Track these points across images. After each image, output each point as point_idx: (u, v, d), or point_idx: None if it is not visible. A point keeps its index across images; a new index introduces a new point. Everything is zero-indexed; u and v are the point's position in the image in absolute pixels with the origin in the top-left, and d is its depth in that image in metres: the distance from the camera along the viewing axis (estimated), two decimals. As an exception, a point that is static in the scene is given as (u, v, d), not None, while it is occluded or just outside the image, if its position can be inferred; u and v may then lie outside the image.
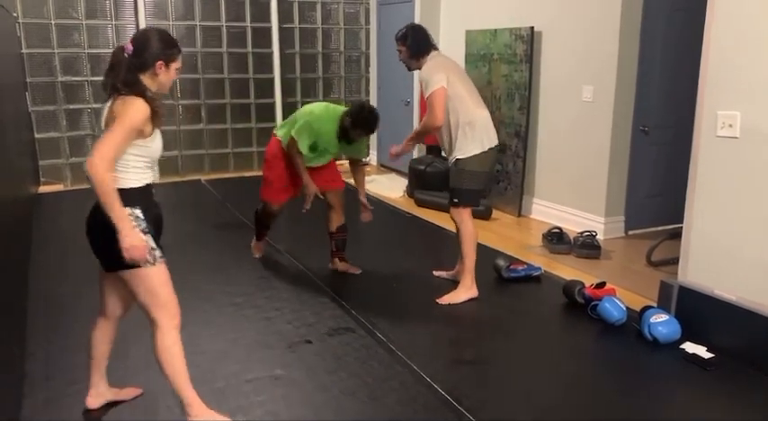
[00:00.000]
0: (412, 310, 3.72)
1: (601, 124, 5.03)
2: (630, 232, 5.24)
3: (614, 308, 3.40)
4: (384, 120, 7.98)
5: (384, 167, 7.90)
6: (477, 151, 3.68)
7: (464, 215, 3.79)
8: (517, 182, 5.86)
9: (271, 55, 7.45)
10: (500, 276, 4.14)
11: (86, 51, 6.64)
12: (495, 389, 2.82)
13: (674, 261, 3.74)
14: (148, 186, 2.37)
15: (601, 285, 3.73)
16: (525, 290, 4.03)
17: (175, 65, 2.35)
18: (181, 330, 3.30)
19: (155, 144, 2.32)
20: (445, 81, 3.61)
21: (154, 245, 2.32)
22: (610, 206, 5.13)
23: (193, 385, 2.76)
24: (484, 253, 4.63)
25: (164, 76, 2.33)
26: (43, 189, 6.61)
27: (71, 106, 6.69)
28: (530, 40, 5.52)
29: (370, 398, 2.71)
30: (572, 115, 5.30)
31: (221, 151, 7.51)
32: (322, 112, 3.96)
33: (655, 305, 3.44)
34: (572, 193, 5.38)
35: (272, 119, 7.60)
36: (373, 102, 8.01)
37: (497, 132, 5.94)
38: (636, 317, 3.39)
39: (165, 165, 7.20)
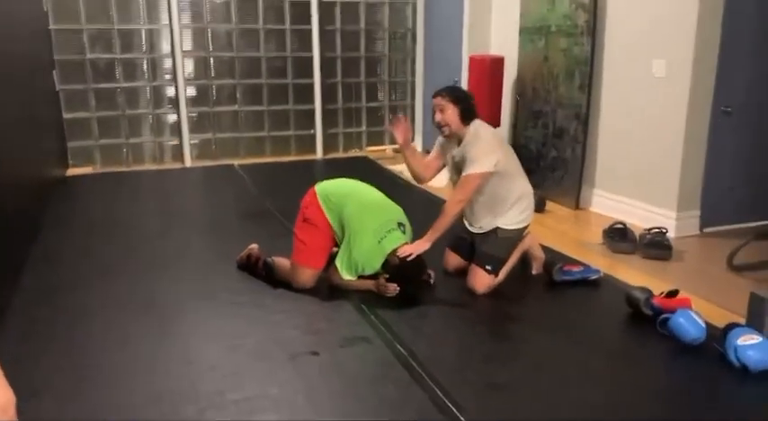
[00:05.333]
0: (443, 318, 3.18)
1: (675, 104, 4.32)
2: (706, 230, 4.53)
3: (691, 324, 2.76)
4: (430, 100, 7.42)
5: (429, 153, 7.31)
6: (522, 225, 3.48)
7: (496, 279, 3.42)
8: (575, 170, 5.20)
9: (310, 32, 6.96)
10: (551, 278, 3.54)
11: (117, 27, 6.30)
12: (536, 425, 2.25)
13: (764, 266, 3.08)
14: None
15: (673, 294, 3.09)
16: (580, 296, 3.42)
17: None
18: (170, 337, 2.89)
19: None
20: (495, 163, 3.28)
21: None
22: (683, 199, 4.43)
23: (170, 404, 2.32)
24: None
25: None
26: (72, 172, 6.33)
27: (101, 85, 6.37)
28: (592, 8, 4.83)
29: (377, 432, 2.20)
30: (641, 94, 4.60)
31: (257, 134, 7.08)
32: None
33: (743, 322, 2.78)
34: (639, 184, 4.70)
35: (311, 100, 7.12)
36: (419, 83, 7.45)
37: (554, 114, 5.40)
38: (718, 336, 2.75)
39: (198, 148, 6.85)
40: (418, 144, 7.63)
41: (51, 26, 6.05)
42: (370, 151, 7.47)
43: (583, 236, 4.52)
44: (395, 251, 3.23)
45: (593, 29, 4.86)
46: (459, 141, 3.42)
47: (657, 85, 4.44)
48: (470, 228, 3.54)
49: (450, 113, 3.36)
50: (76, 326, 2.99)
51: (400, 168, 6.54)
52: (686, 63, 4.20)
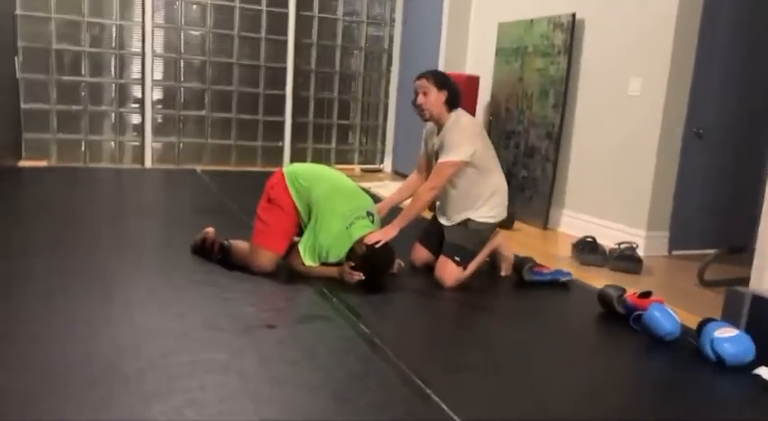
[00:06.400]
0: (409, 305, 3.03)
1: (648, 123, 4.33)
2: (675, 252, 4.49)
3: (665, 317, 2.66)
4: (403, 123, 7.39)
5: (398, 175, 7.24)
6: (493, 221, 3.39)
7: (464, 272, 3.29)
8: (545, 189, 5.15)
9: (285, 43, 6.90)
10: (520, 278, 3.42)
11: (87, 20, 6.13)
12: (505, 405, 2.08)
13: (735, 282, 3.02)
14: None
15: (646, 295, 2.99)
16: (551, 294, 3.30)
17: None
18: (114, 303, 2.66)
19: None
20: (471, 154, 3.20)
21: None
22: (653, 219, 4.39)
23: (109, 363, 2.09)
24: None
25: None
26: (24, 163, 6.03)
27: (64, 78, 6.16)
28: (570, 28, 4.88)
29: (335, 398, 1.99)
30: (615, 112, 4.61)
31: (223, 142, 6.90)
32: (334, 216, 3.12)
33: (718, 319, 2.69)
34: (609, 203, 4.66)
35: (281, 112, 7.00)
36: (392, 102, 7.41)
37: (527, 134, 5.38)
38: (693, 334, 2.65)
39: (160, 151, 6.64)
40: (388, 165, 7.56)
41: (18, 11, 5.86)
42: (339, 169, 7.33)
43: (552, 250, 4.44)
44: (361, 240, 3.07)
45: (570, 48, 4.89)
46: (440, 129, 3.33)
47: (632, 104, 4.46)
48: (441, 221, 3.42)
49: (434, 98, 3.25)
50: (13, 290, 2.73)
51: (368, 185, 6.43)
52: (661, 81, 4.23)
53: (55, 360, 2.10)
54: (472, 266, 3.30)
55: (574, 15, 4.87)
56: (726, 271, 3.76)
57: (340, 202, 3.14)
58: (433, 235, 3.47)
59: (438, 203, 3.48)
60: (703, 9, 4.17)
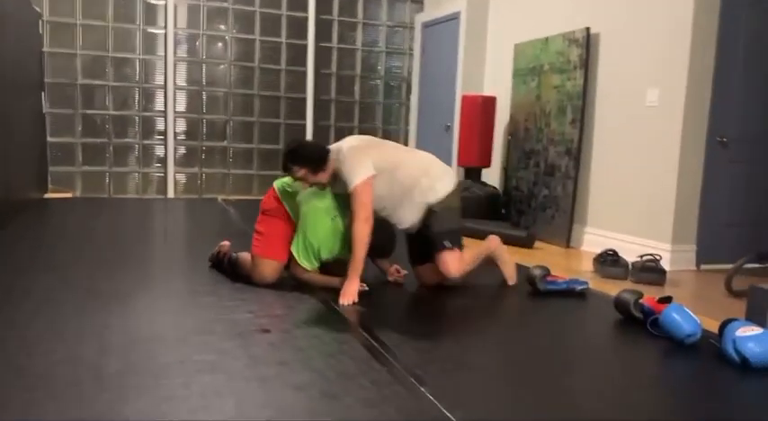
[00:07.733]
0: (413, 311, 2.95)
1: (668, 133, 4.20)
2: (704, 266, 4.28)
3: (685, 318, 2.49)
4: (424, 146, 7.35)
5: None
6: (451, 188, 3.23)
7: (463, 256, 3.17)
8: (566, 207, 5.01)
9: (305, 73, 6.98)
10: (535, 288, 3.28)
11: (111, 55, 6.31)
12: (507, 406, 1.95)
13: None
14: None
15: (666, 300, 2.82)
16: (566, 305, 3.15)
17: None
18: (110, 311, 2.61)
19: None
20: (371, 165, 3.03)
21: None
22: (678, 232, 4.21)
23: (92, 364, 2.03)
24: (519, 269, 3.79)
25: None
26: (50, 195, 6.15)
27: (89, 111, 6.31)
28: (585, 43, 4.82)
29: (323, 395, 1.89)
30: (633, 124, 4.49)
31: (245, 172, 6.95)
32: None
33: (741, 319, 2.52)
34: (631, 217, 4.50)
35: (302, 141, 7.04)
36: (413, 128, 7.38)
37: (547, 153, 5.27)
38: (715, 336, 2.48)
39: (183, 181, 6.70)
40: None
41: (45, 49, 6.05)
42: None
43: (574, 266, 4.28)
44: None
45: (586, 62, 4.82)
46: (336, 175, 3.13)
47: (650, 115, 4.34)
48: (411, 230, 3.27)
49: (309, 177, 3.07)
50: (25, 303, 2.71)
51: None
52: (679, 91, 4.11)
53: (40, 361, 2.05)
54: (468, 254, 3.19)
55: (588, 30, 4.81)
56: (756, 282, 3.56)
57: (322, 197, 3.12)
58: (415, 243, 3.32)
59: (395, 220, 3.25)
60: (720, 16, 4.07)
